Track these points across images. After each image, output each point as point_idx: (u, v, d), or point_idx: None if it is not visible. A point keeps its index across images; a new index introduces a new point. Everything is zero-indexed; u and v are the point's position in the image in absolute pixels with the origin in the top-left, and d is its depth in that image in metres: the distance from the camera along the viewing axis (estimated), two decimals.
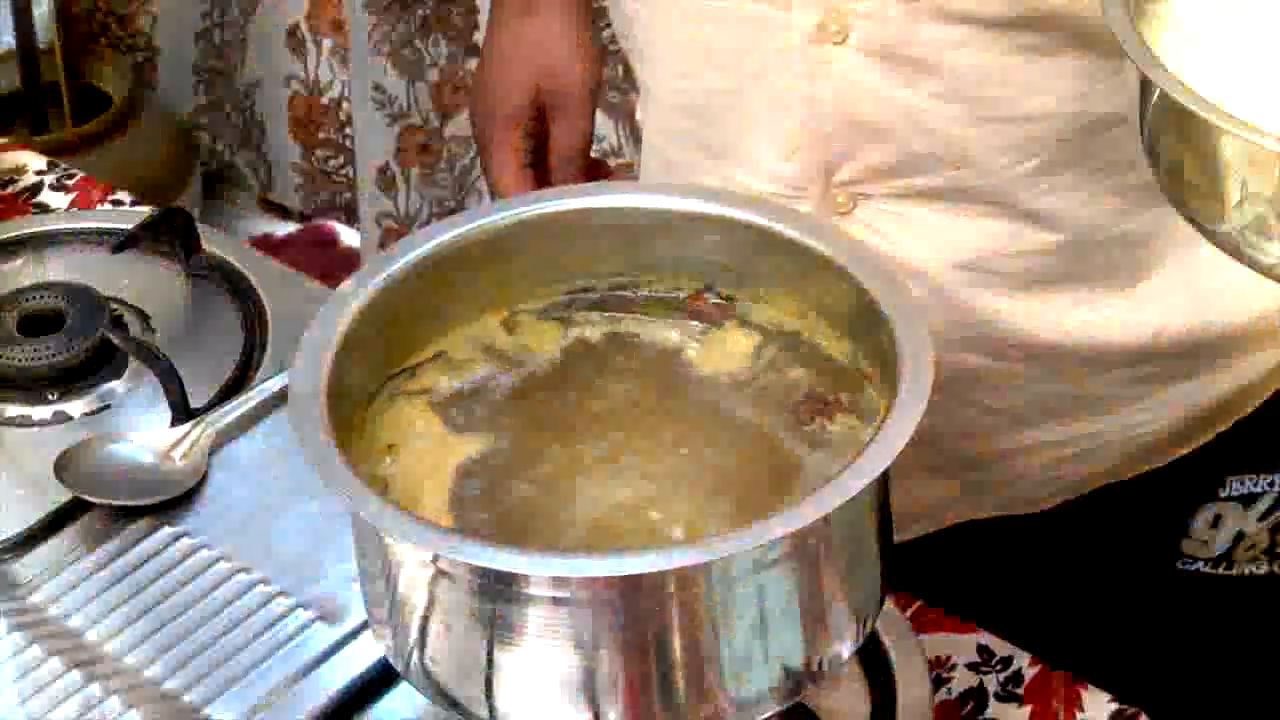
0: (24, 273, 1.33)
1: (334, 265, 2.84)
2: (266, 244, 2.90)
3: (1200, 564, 1.24)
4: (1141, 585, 1.26)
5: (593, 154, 2.49)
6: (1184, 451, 1.21)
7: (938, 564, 1.23)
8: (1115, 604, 1.26)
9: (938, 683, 1.09)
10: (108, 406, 1.23)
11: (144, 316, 1.29)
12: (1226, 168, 0.81)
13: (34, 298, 1.27)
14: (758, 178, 1.14)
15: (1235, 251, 0.84)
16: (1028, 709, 1.09)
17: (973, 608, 1.16)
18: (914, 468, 1.21)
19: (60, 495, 1.14)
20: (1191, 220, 0.86)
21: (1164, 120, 0.85)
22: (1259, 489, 1.22)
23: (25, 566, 1.11)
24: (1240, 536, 1.23)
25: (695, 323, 1.00)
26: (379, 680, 1.04)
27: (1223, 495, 1.22)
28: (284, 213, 3.01)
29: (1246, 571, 1.24)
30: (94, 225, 1.38)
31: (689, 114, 1.17)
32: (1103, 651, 1.17)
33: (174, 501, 1.14)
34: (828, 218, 1.12)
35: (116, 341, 1.24)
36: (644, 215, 1.00)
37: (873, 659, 1.06)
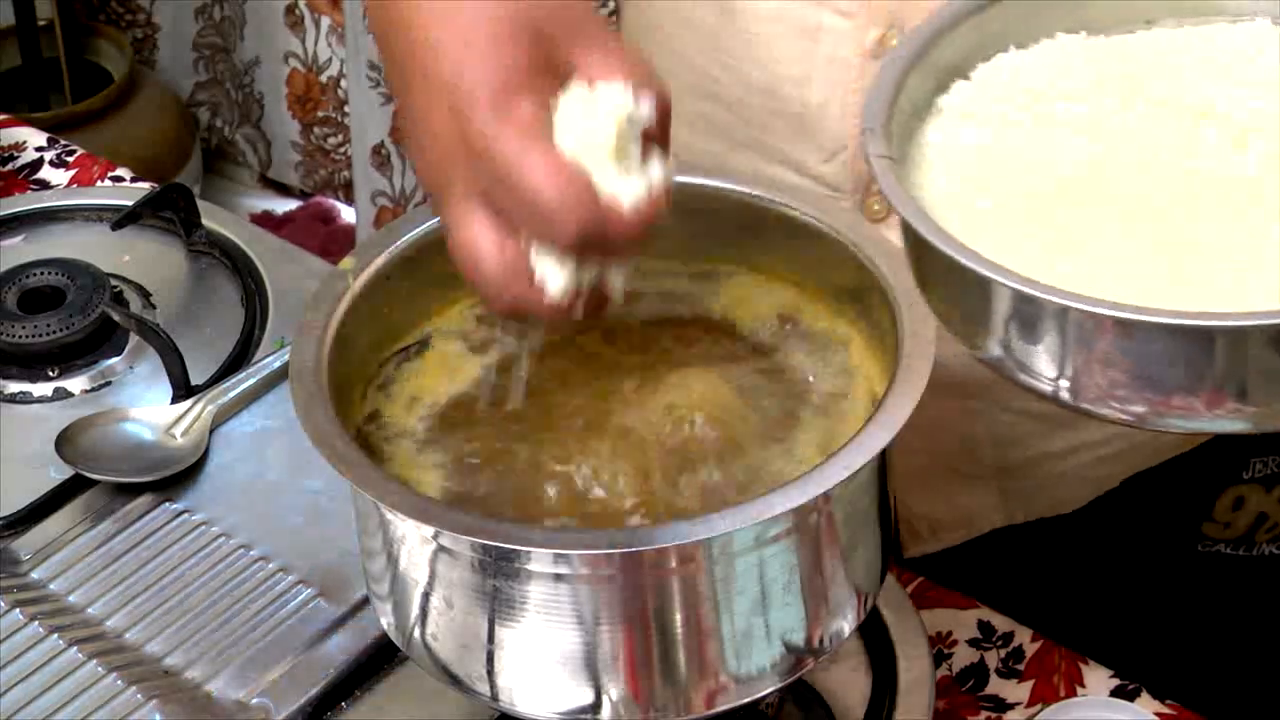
0: (24, 249, 1.33)
1: (334, 242, 2.84)
2: (267, 221, 2.90)
3: (1220, 545, 1.24)
4: (1161, 569, 1.25)
5: None
6: (1211, 435, 1.20)
7: (959, 557, 1.23)
8: (1133, 588, 1.26)
9: (939, 659, 1.10)
10: (108, 383, 1.23)
11: (144, 293, 1.29)
12: (983, 304, 0.81)
13: (34, 274, 1.27)
14: (791, 173, 1.12)
15: (1015, 381, 0.83)
16: (1028, 685, 1.09)
17: (980, 582, 1.16)
18: (951, 476, 1.21)
19: (61, 472, 1.15)
20: (963, 342, 0.86)
21: (924, 260, 0.86)
22: None
23: (26, 543, 1.11)
24: (1262, 518, 1.23)
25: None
26: (380, 657, 1.04)
27: (1246, 477, 1.21)
28: (284, 190, 3.01)
29: (1266, 552, 1.24)
30: (94, 202, 1.38)
31: (716, 101, 1.14)
32: (1113, 634, 1.17)
33: (175, 478, 1.14)
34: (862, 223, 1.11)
35: (117, 318, 1.23)
36: None
37: (874, 635, 1.06)
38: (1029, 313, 0.79)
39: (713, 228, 1.00)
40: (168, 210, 1.32)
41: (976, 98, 0.91)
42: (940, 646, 1.11)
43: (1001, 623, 1.12)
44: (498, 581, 0.85)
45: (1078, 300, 0.77)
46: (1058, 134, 0.88)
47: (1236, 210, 0.83)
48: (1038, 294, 0.78)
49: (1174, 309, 0.76)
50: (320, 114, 2.89)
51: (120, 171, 1.47)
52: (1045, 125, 0.89)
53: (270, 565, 1.09)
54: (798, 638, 0.88)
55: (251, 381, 1.19)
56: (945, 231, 0.81)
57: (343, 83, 2.81)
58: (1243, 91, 0.88)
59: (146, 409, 1.18)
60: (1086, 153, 0.87)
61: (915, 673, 1.05)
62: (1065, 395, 0.81)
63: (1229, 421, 0.79)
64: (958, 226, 0.82)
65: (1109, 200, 0.85)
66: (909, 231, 0.85)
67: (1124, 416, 0.81)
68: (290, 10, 2.82)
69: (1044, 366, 0.81)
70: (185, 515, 1.12)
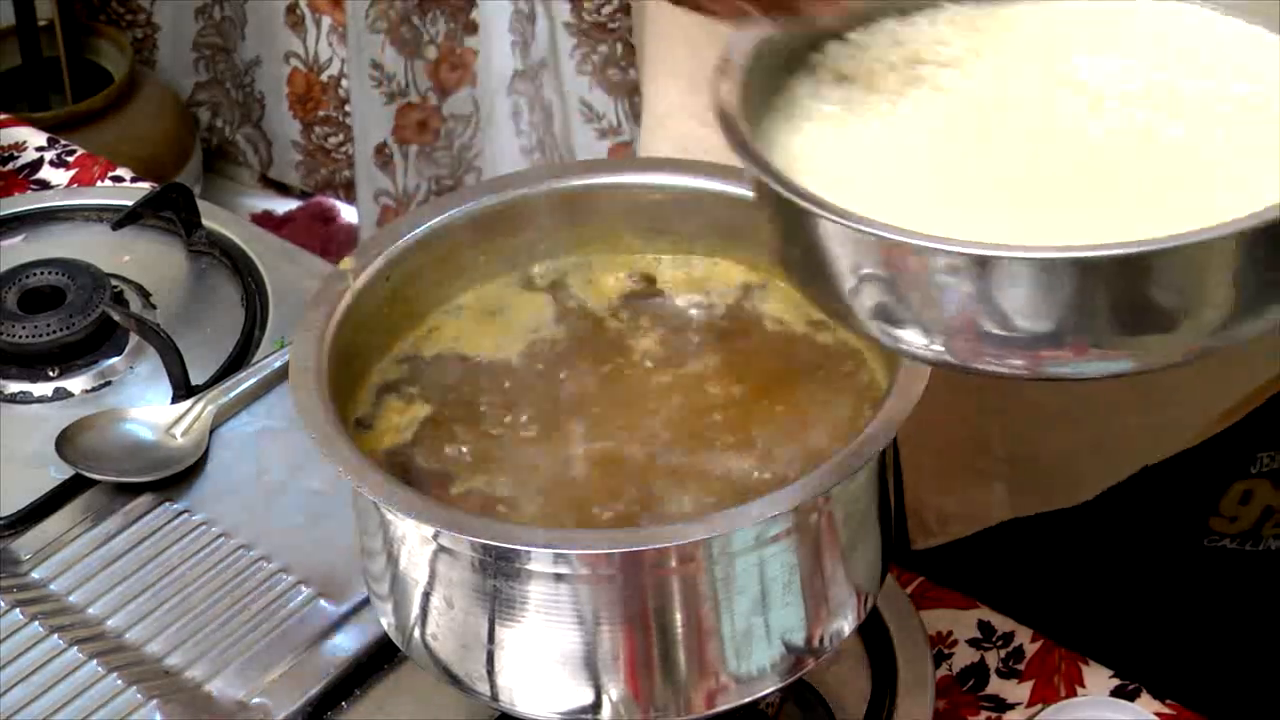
0: (24, 249, 1.33)
1: (335, 242, 2.84)
2: (267, 221, 2.90)
3: (1226, 540, 1.24)
4: (1166, 563, 1.25)
5: (592, 131, 2.49)
6: (1219, 429, 1.20)
7: (964, 551, 1.23)
8: (1137, 583, 1.26)
9: (939, 659, 1.09)
10: (108, 383, 1.23)
11: (145, 293, 1.29)
12: (836, 258, 0.80)
13: (34, 274, 1.27)
14: None
15: (883, 344, 0.82)
16: (1028, 685, 1.09)
17: (985, 577, 1.16)
18: (961, 469, 1.21)
19: (61, 472, 1.15)
20: (831, 317, 0.86)
21: (775, 214, 0.85)
22: None
23: (26, 543, 1.11)
24: (1269, 512, 1.23)
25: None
26: (380, 657, 1.04)
27: (1254, 471, 1.21)
28: (284, 190, 3.01)
29: (1273, 547, 1.24)
30: (94, 202, 1.38)
31: None
32: (1113, 634, 1.17)
33: (175, 478, 1.14)
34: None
35: (117, 318, 1.23)
36: (647, 191, 1.00)
37: (874, 635, 1.06)
38: (888, 263, 0.78)
39: (711, 227, 1.00)
40: (168, 210, 1.32)
41: (850, 56, 0.91)
42: (940, 646, 1.11)
43: (1001, 623, 1.12)
44: (498, 581, 0.85)
45: (917, 238, 0.76)
46: (923, 94, 0.89)
47: (1088, 168, 0.83)
48: (885, 235, 0.76)
49: (1026, 244, 0.75)
50: (321, 113, 2.89)
51: (120, 171, 1.47)
52: (912, 85, 0.89)
53: (270, 565, 1.09)
54: (798, 638, 0.88)
55: (251, 381, 1.19)
56: (800, 186, 0.80)
57: (343, 82, 2.81)
58: (1106, 59, 0.89)
59: (146, 409, 1.18)
60: (949, 113, 0.88)
61: (915, 673, 1.05)
62: (942, 353, 0.80)
63: (1106, 363, 0.78)
64: (819, 182, 0.81)
65: (969, 158, 0.85)
66: (760, 187, 0.84)
67: (1005, 370, 0.79)
68: (291, 10, 2.82)
69: (914, 328, 0.79)
70: (185, 515, 1.12)
